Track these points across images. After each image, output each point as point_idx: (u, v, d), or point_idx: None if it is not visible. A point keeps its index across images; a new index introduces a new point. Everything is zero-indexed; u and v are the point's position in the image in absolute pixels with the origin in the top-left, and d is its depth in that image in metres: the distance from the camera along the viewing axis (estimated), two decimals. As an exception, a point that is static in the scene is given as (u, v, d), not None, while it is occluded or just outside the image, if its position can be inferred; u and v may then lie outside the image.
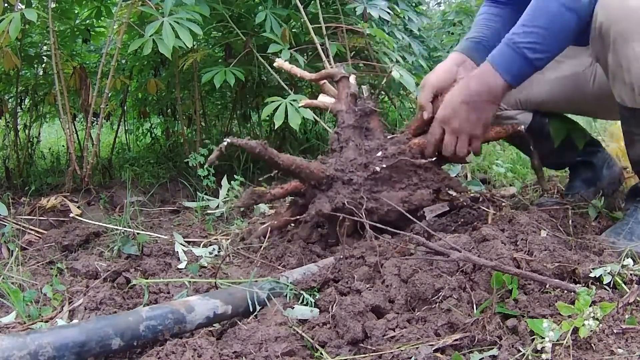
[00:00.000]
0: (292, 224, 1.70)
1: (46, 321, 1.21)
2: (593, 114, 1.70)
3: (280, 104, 2.22)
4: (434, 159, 1.49)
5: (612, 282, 1.12)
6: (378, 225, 1.33)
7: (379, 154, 1.52)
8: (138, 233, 1.72)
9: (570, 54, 1.57)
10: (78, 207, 2.08)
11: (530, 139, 1.54)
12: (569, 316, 0.96)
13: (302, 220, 1.58)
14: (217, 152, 1.35)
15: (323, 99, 1.73)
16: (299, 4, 2.42)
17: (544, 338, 0.92)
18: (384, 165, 1.49)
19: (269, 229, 1.63)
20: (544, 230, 1.36)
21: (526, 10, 1.31)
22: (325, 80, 1.74)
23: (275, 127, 2.29)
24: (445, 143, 1.43)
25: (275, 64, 1.75)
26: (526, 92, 1.59)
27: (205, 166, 1.44)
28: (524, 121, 1.69)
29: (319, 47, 2.42)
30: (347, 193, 1.47)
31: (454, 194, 1.59)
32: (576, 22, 1.27)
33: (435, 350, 0.96)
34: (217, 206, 2.11)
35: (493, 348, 0.96)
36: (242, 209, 2.05)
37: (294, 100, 2.21)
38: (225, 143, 1.35)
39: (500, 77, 1.30)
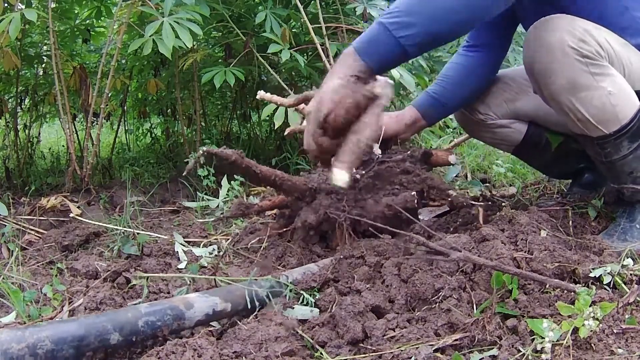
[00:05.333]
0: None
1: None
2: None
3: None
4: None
5: (612, 282, 1.12)
6: (376, 224, 1.34)
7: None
8: (138, 233, 1.71)
9: None
10: (78, 207, 2.08)
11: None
12: (569, 316, 0.96)
13: (292, 230, 1.59)
14: (193, 161, 1.38)
15: None
16: (299, 4, 2.41)
17: (544, 338, 0.92)
18: (363, 172, 1.54)
19: (268, 233, 1.64)
20: (544, 230, 1.36)
21: None
22: (303, 105, 1.79)
23: (275, 127, 2.29)
24: (305, 131, 1.26)
25: (257, 96, 1.79)
26: (513, 105, 1.62)
27: (184, 173, 1.46)
28: (519, 131, 1.72)
29: (319, 47, 2.42)
30: (330, 203, 1.51)
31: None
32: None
33: (435, 350, 0.96)
34: (217, 206, 2.11)
35: (493, 348, 0.96)
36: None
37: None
38: (200, 152, 1.39)
39: (360, 59, 1.15)
